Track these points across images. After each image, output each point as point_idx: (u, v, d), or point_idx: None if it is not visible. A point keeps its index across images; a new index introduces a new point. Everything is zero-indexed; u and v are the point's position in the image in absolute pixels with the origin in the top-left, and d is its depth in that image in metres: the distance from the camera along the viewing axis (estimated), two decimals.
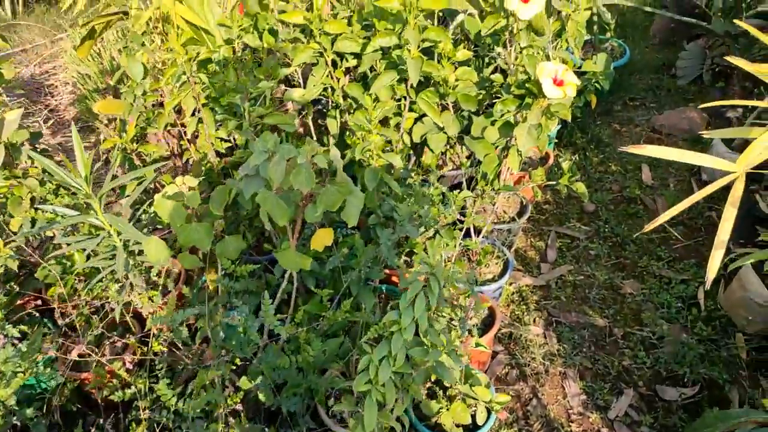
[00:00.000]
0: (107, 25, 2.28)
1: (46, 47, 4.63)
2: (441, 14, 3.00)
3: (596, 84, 2.60)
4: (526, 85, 1.76)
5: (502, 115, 1.82)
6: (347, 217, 1.19)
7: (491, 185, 1.87)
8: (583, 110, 2.89)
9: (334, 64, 1.91)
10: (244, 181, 1.29)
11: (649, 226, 1.56)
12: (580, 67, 2.51)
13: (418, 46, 1.76)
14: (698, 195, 1.55)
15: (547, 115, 1.77)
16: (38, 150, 1.92)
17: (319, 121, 2.14)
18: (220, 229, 1.44)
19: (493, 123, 1.86)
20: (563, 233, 2.54)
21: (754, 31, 1.77)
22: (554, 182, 2.23)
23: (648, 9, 3.22)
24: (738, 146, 2.66)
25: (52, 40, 4.67)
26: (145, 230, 1.58)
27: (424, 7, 1.64)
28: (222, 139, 1.76)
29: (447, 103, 1.95)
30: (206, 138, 1.63)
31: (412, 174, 2.03)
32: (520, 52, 1.98)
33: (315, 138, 2.04)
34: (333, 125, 1.91)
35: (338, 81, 1.89)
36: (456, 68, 2.04)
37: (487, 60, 2.62)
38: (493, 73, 2.57)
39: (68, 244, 1.42)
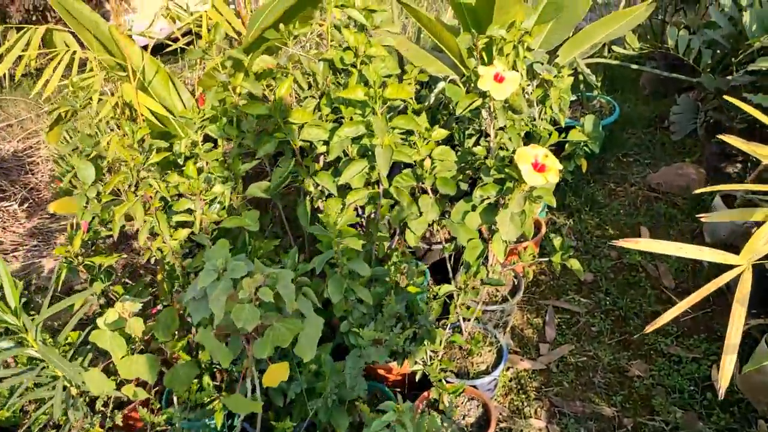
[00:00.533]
0: (74, 111, 2.20)
1: (31, 121, 4.59)
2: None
3: (585, 147, 2.50)
4: (506, 170, 1.64)
5: (483, 201, 1.69)
6: (301, 353, 1.05)
7: (475, 277, 1.72)
8: (575, 172, 2.77)
9: (303, 151, 1.80)
10: (191, 306, 1.16)
11: (651, 327, 1.41)
12: (566, 135, 2.40)
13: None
14: (704, 290, 1.41)
15: (531, 199, 1.64)
16: None
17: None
18: (172, 352, 1.30)
19: (474, 208, 1.74)
20: (561, 307, 2.38)
21: (748, 109, 1.66)
22: (547, 258, 2.09)
23: (635, 67, 3.15)
24: (740, 207, 2.52)
25: (37, 114, 4.64)
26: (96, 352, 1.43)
27: (389, 97, 1.54)
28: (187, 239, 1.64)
29: (426, 187, 1.83)
30: (163, 240, 1.50)
31: (395, 255, 1.89)
32: (500, 130, 1.87)
33: (288, 229, 1.92)
34: (304, 216, 1.78)
35: (308, 169, 1.78)
36: (436, 145, 1.93)
37: (469, 131, 2.53)
38: (476, 144, 2.47)
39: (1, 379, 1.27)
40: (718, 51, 2.92)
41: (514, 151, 2.09)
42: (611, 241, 2.45)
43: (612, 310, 2.33)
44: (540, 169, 1.58)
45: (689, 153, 3.19)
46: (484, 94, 1.82)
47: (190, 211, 1.45)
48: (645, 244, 1.43)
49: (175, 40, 2.30)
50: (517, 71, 2.52)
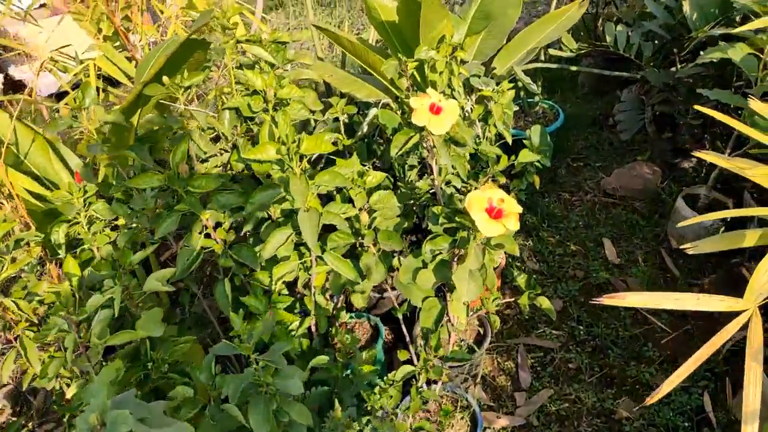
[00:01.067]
0: None
1: None
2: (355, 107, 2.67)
3: (537, 162, 2.29)
4: (457, 218, 1.39)
5: (435, 256, 1.44)
6: None
7: (436, 351, 1.47)
8: (528, 189, 2.57)
9: (218, 222, 1.50)
10: None
11: (651, 399, 1.18)
12: (515, 153, 2.19)
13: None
14: (715, 342, 1.20)
15: (490, 249, 1.40)
16: None
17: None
18: None
19: (426, 264, 1.48)
20: (533, 345, 2.15)
21: (716, 114, 1.47)
22: (513, 299, 1.86)
23: (574, 68, 2.98)
24: (704, 207, 2.37)
25: None
26: None
27: (306, 152, 1.26)
28: None
29: (367, 244, 1.56)
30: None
31: (338, 334, 1.62)
32: (440, 172, 1.62)
33: (212, 318, 1.61)
34: (224, 300, 1.48)
35: (224, 243, 1.48)
36: (372, 192, 1.67)
37: (410, 161, 2.29)
38: (420, 176, 2.22)
39: None
40: (656, 42, 2.79)
41: (463, 191, 1.85)
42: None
43: (587, 341, 2.13)
44: (496, 215, 1.34)
45: (640, 151, 3.04)
46: (421, 129, 1.57)
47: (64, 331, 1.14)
48: (632, 299, 1.21)
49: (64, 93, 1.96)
50: (454, 90, 2.30)
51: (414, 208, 2.02)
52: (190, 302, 1.61)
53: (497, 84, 2.71)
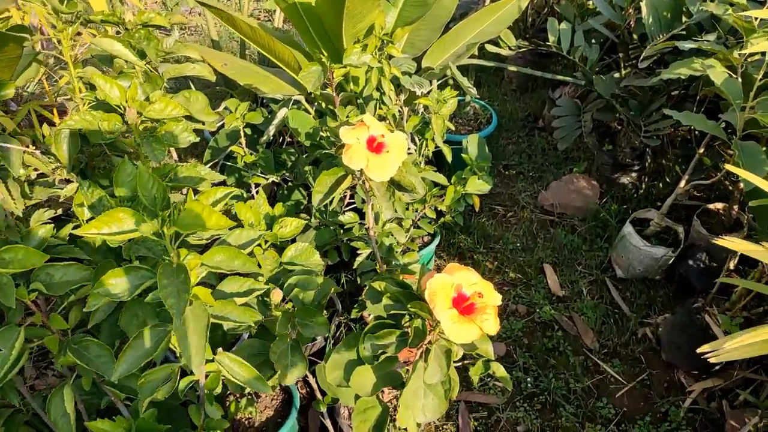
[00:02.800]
0: None
1: None
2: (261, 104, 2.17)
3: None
4: (410, 306, 0.99)
5: (378, 356, 1.03)
6: None
7: None
8: (464, 211, 2.24)
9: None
10: None
11: None
12: (449, 168, 1.82)
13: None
14: None
15: (449, 355, 1.01)
16: None
17: None
18: None
19: (363, 361, 1.07)
20: (475, 402, 1.83)
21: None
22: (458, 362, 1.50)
23: (513, 68, 2.66)
24: (653, 235, 2.16)
25: None
26: None
27: (186, 230, 0.80)
28: None
29: (280, 332, 1.12)
30: None
31: None
32: (377, 219, 1.21)
33: None
34: (64, 425, 0.99)
35: (63, 333, 0.98)
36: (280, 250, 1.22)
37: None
38: (346, 207, 1.80)
39: None
40: (597, 41, 2.53)
41: (405, 251, 1.45)
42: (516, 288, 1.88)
43: (535, 395, 1.84)
44: (467, 311, 0.96)
45: (575, 160, 2.81)
46: (356, 173, 1.15)
47: None
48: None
49: None
50: (384, 95, 1.89)
51: (338, 244, 1.60)
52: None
53: (430, 83, 2.33)
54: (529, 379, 1.87)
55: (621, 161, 2.52)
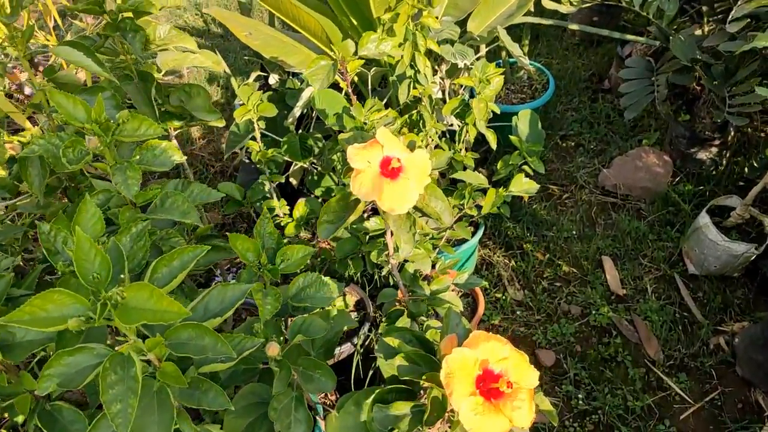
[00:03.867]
0: None
1: None
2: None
3: (526, 166, 1.69)
4: (424, 380, 0.80)
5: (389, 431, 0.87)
6: None
7: None
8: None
9: None
10: None
11: None
12: (492, 171, 1.58)
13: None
14: None
15: None
16: None
17: None
18: None
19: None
20: None
21: None
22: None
23: (574, 26, 2.32)
24: (734, 226, 1.86)
25: None
26: None
27: (125, 323, 0.63)
28: None
29: (276, 391, 0.97)
30: None
31: None
32: (397, 249, 1.01)
33: None
34: None
35: None
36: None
37: None
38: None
39: None
40: None
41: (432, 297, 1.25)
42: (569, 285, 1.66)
43: (588, 413, 1.65)
44: (494, 395, 0.77)
45: (645, 129, 2.47)
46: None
47: None
48: None
49: None
50: (419, 73, 1.65)
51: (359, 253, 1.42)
52: None
53: (476, 51, 2.06)
54: (580, 395, 1.68)
55: (699, 134, 2.18)
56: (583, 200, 2.23)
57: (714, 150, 2.19)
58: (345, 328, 1.11)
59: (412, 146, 1.06)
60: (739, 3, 1.77)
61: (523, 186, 1.47)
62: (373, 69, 1.86)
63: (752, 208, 1.83)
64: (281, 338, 0.99)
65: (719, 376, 1.69)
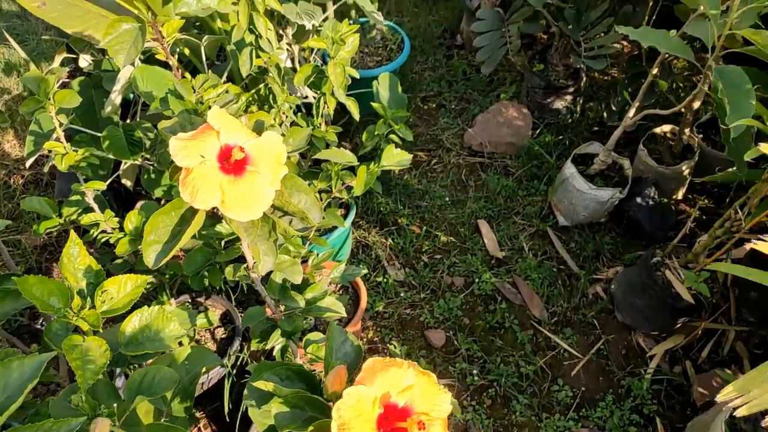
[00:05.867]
0: None
1: None
2: None
3: (393, 135, 1.55)
4: (312, 430, 0.62)
5: None
6: None
7: None
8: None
9: None
10: None
11: None
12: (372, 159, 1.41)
13: None
14: None
15: None
16: None
17: None
18: None
19: None
20: None
21: None
22: None
23: None
24: (598, 173, 1.87)
25: None
26: None
27: None
28: None
29: None
30: None
31: None
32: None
33: None
34: None
35: None
36: None
37: None
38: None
39: None
40: None
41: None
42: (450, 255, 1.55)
43: (484, 387, 1.58)
44: None
45: (501, 82, 2.44)
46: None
47: None
48: None
49: None
50: (260, 38, 1.41)
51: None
52: None
53: (324, 9, 1.86)
54: (475, 371, 1.61)
55: (554, 83, 2.18)
56: (452, 163, 2.15)
57: (569, 98, 2.21)
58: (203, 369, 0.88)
59: (260, 128, 0.84)
60: None
61: (395, 158, 1.31)
62: (206, 37, 1.58)
63: (614, 153, 1.85)
64: (115, 405, 0.74)
65: (602, 325, 1.71)
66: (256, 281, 0.91)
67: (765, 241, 0.98)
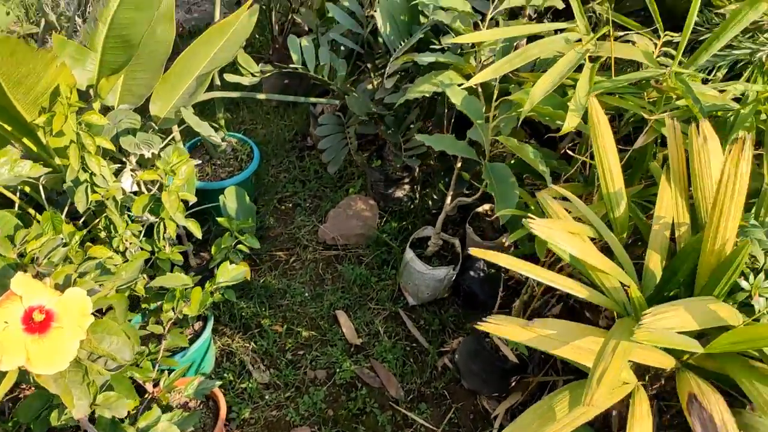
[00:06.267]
0: None
1: None
2: None
3: (241, 246, 1.67)
4: None
5: None
6: None
7: None
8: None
9: None
10: None
11: None
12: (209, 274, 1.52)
13: None
14: None
15: None
16: None
17: None
18: None
19: None
20: None
21: None
22: None
23: (262, 96, 2.37)
24: (434, 254, 2.10)
25: None
26: None
27: None
28: None
29: None
30: None
31: None
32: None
33: None
34: None
35: None
36: None
37: None
38: None
39: None
40: (343, 48, 2.36)
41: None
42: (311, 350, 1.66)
43: None
44: None
45: (349, 178, 2.67)
46: None
47: None
48: None
49: None
50: (95, 176, 1.50)
51: None
52: None
53: (165, 137, 1.97)
54: None
55: (392, 175, 2.43)
56: (309, 259, 2.30)
57: (407, 188, 2.47)
58: None
59: (67, 283, 0.93)
60: (390, 60, 2.03)
61: (231, 273, 1.43)
62: (43, 176, 1.64)
63: (443, 234, 2.09)
64: None
65: (451, 394, 1.87)
66: (83, 423, 0.97)
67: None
